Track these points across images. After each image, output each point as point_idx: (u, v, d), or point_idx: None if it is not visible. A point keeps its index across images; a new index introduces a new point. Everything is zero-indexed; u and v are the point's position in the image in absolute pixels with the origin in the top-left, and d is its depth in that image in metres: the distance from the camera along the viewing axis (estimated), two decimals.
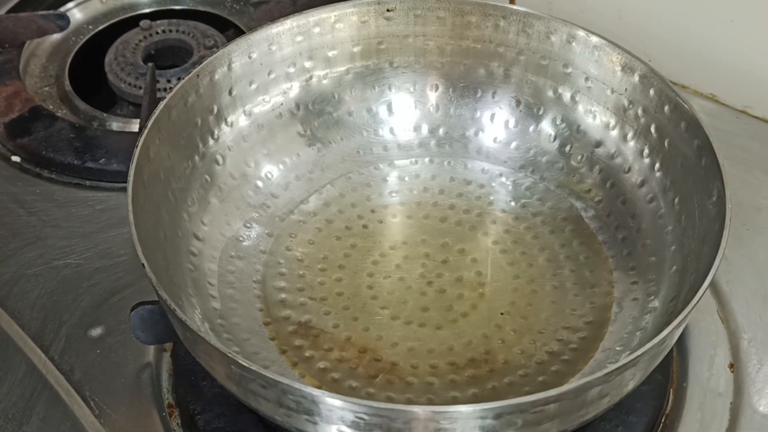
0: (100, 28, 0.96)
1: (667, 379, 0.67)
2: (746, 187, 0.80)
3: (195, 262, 0.68)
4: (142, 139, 0.64)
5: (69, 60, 0.93)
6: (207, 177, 0.71)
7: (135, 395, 0.67)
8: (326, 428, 0.53)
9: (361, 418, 0.51)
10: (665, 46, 0.89)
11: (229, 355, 0.52)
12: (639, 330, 0.64)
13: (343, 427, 0.52)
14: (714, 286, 0.73)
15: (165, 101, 0.67)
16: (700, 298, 0.56)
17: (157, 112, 0.66)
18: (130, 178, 0.61)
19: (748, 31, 0.85)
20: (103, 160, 0.81)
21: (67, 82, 0.91)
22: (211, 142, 0.72)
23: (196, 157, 0.71)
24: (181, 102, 0.69)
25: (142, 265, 0.57)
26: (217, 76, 0.71)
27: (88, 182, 0.81)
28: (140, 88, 0.88)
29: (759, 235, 0.77)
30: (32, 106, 0.86)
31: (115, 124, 0.87)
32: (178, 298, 0.62)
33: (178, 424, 0.66)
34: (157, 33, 0.94)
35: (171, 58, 0.93)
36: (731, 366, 0.69)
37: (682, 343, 0.70)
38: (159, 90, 0.87)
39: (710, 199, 0.63)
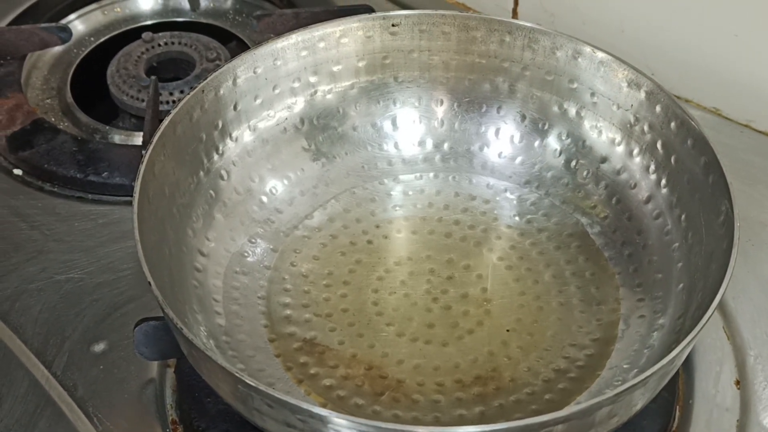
0: (102, 40, 0.96)
1: (674, 396, 0.67)
2: (750, 202, 0.80)
3: (200, 279, 0.67)
4: (147, 155, 0.63)
5: (71, 72, 0.93)
6: (212, 192, 0.71)
7: (138, 411, 0.67)
8: None
9: None
10: (668, 60, 0.89)
11: (236, 374, 0.52)
12: (646, 348, 0.64)
13: None
14: (720, 303, 0.72)
15: (170, 117, 0.66)
16: (710, 317, 0.55)
17: (162, 127, 0.66)
18: (136, 195, 0.61)
19: (752, 45, 0.85)
20: (105, 173, 0.81)
21: (69, 94, 0.90)
22: (215, 157, 0.72)
23: (201, 173, 0.71)
24: (186, 117, 0.68)
25: (149, 283, 0.56)
26: (222, 91, 0.71)
27: (90, 196, 0.81)
28: (142, 100, 0.88)
29: (764, 250, 0.77)
30: (34, 118, 0.85)
31: (118, 137, 0.87)
32: (183, 315, 0.62)
33: None
34: (159, 45, 0.93)
35: (173, 70, 0.93)
36: (737, 383, 0.69)
37: (688, 360, 0.69)
38: (161, 103, 0.87)
39: (718, 217, 0.63)
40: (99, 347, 0.70)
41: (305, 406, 0.51)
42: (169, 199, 0.67)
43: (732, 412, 0.67)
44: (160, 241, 0.64)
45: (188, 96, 0.68)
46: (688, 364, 0.69)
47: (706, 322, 0.56)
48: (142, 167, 0.63)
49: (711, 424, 0.66)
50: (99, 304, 0.73)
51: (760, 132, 0.87)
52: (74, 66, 0.93)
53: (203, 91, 0.70)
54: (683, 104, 0.69)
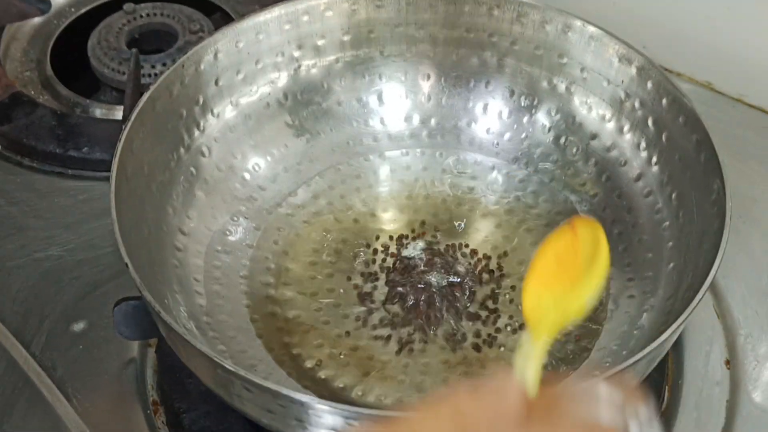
0: (83, 11, 0.94)
1: (663, 376, 0.66)
2: (742, 177, 0.79)
3: (180, 258, 0.66)
4: (125, 132, 0.62)
5: (50, 44, 0.91)
6: (193, 169, 0.70)
7: (119, 392, 0.66)
8: None
9: (351, 424, 0.50)
10: (660, 33, 0.87)
11: (215, 359, 0.51)
12: (636, 328, 0.63)
13: None
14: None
15: (149, 93, 0.65)
16: (700, 299, 0.54)
17: (141, 103, 0.64)
18: (113, 173, 0.60)
19: (744, 18, 0.84)
20: (86, 148, 0.80)
21: (48, 67, 0.89)
22: (196, 133, 0.70)
23: (182, 149, 0.69)
24: (166, 93, 0.67)
25: (126, 265, 0.55)
26: (202, 66, 0.69)
27: (70, 171, 0.80)
28: (124, 73, 0.86)
29: (755, 227, 0.76)
30: (13, 92, 0.84)
31: (99, 111, 0.85)
32: (162, 295, 0.61)
33: (163, 422, 0.64)
34: (141, 17, 0.91)
35: (155, 42, 0.91)
36: (727, 362, 0.68)
37: (677, 339, 0.68)
38: (143, 76, 0.85)
39: (709, 196, 0.61)
40: (78, 326, 0.69)
41: (285, 392, 0.50)
42: (149, 176, 0.65)
43: (722, 391, 0.67)
44: (139, 219, 0.63)
45: (168, 71, 0.67)
46: (677, 344, 0.69)
47: (697, 304, 0.55)
48: (120, 144, 0.61)
49: (701, 404, 0.66)
50: (79, 282, 0.71)
51: (752, 106, 0.86)
52: (54, 38, 0.91)
53: (183, 65, 0.68)
54: (675, 78, 0.68)
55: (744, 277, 0.73)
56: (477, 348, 0.64)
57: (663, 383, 0.66)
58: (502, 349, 0.64)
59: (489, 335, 0.65)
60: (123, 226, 0.58)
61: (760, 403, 0.66)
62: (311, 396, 0.50)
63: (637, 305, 0.65)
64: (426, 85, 0.77)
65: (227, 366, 0.50)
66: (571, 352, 0.64)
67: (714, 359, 0.68)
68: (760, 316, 0.70)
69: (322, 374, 0.63)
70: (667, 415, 0.65)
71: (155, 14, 0.92)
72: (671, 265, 0.64)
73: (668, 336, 0.53)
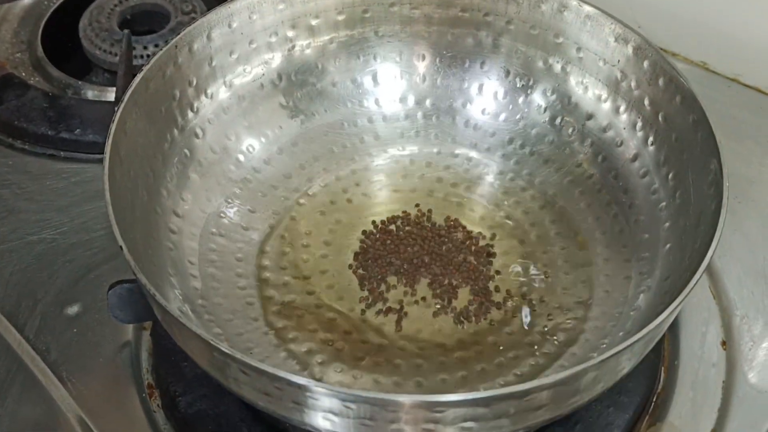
0: None
1: (659, 357, 0.66)
2: (738, 158, 0.78)
3: (175, 240, 0.65)
4: (118, 114, 0.61)
5: (42, 25, 0.90)
6: (186, 151, 0.69)
7: (114, 376, 0.66)
8: (313, 415, 0.52)
9: (348, 407, 0.50)
10: (655, 13, 0.87)
11: (211, 341, 0.50)
12: (633, 310, 0.63)
13: (330, 415, 0.51)
14: None
15: (142, 74, 0.64)
16: (697, 281, 0.54)
17: (133, 85, 0.63)
18: (107, 155, 0.59)
19: None
20: (78, 130, 0.79)
21: (39, 48, 0.88)
22: (190, 115, 0.70)
23: (175, 131, 0.68)
24: (159, 74, 0.66)
25: (120, 247, 0.54)
26: (196, 47, 0.69)
27: (62, 153, 0.79)
28: (116, 54, 0.85)
29: (751, 207, 0.76)
30: (4, 73, 0.83)
31: (90, 93, 0.84)
32: (157, 278, 0.60)
33: (158, 405, 0.64)
34: None
35: (148, 23, 0.90)
36: (724, 343, 0.68)
37: (674, 321, 0.68)
38: (135, 57, 0.84)
39: (706, 176, 0.61)
40: (73, 310, 0.68)
41: (282, 374, 0.49)
42: (142, 158, 0.65)
43: (718, 373, 0.67)
44: (133, 202, 0.62)
45: (161, 52, 0.66)
46: (674, 325, 0.68)
47: (694, 285, 0.54)
48: (113, 126, 0.61)
49: (697, 386, 0.66)
50: (72, 265, 0.71)
51: (747, 86, 0.86)
52: (45, 19, 0.91)
53: (176, 46, 0.67)
54: (670, 58, 0.67)
55: (740, 258, 0.72)
56: (474, 331, 0.64)
57: (659, 364, 0.66)
58: (499, 331, 0.64)
59: (485, 316, 0.65)
60: (117, 208, 0.57)
61: (755, 384, 0.66)
62: (308, 379, 0.49)
63: (634, 286, 0.65)
64: (421, 66, 0.76)
65: (224, 349, 0.50)
66: (566, 334, 0.64)
67: (710, 340, 0.68)
68: (756, 297, 0.70)
69: (318, 358, 0.62)
70: (663, 396, 0.65)
71: None
72: (668, 246, 0.64)
73: (665, 317, 0.53)
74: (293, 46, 0.74)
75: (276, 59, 0.74)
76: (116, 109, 0.62)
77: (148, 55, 0.85)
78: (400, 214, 0.71)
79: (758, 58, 0.85)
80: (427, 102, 0.76)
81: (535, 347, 0.63)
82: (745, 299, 0.70)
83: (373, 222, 0.70)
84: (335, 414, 0.50)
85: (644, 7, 0.87)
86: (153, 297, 0.53)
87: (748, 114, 0.83)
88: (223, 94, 0.72)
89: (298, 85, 0.74)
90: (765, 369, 0.66)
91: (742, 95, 0.85)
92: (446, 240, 0.69)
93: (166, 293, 0.60)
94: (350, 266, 0.67)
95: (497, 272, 0.67)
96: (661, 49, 0.68)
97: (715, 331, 0.69)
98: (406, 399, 0.49)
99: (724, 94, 0.85)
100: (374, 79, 0.76)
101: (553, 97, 0.73)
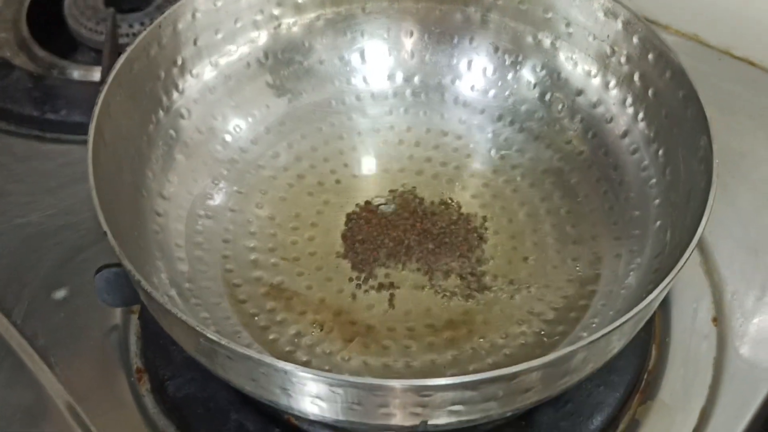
0: None
1: (650, 335, 0.66)
2: (730, 131, 0.78)
3: (161, 223, 0.65)
4: (102, 96, 0.61)
5: (26, 4, 0.89)
6: (172, 132, 0.68)
7: (102, 360, 0.65)
8: (300, 400, 0.51)
9: (335, 392, 0.49)
10: None
11: (196, 327, 0.50)
12: (623, 288, 0.63)
13: (317, 400, 0.51)
14: None
15: (126, 54, 0.63)
16: (688, 257, 0.54)
17: (117, 66, 0.63)
18: (90, 138, 0.58)
19: None
20: (64, 111, 0.78)
21: (24, 27, 0.87)
22: (175, 95, 0.69)
23: (161, 112, 0.68)
24: (143, 54, 0.65)
25: (104, 232, 0.54)
26: (180, 26, 0.68)
27: (48, 135, 0.79)
28: (102, 33, 0.84)
29: (743, 182, 0.75)
30: None
31: (76, 73, 0.84)
32: (143, 262, 0.60)
33: (147, 389, 0.64)
34: None
35: (133, 0, 0.89)
36: (715, 320, 0.68)
37: (664, 298, 0.68)
38: (121, 36, 0.83)
39: (696, 152, 0.61)
40: (60, 294, 0.68)
41: (267, 360, 0.49)
42: (127, 140, 0.64)
43: (709, 349, 0.66)
44: (118, 185, 0.62)
45: (145, 32, 0.65)
46: (665, 302, 0.68)
47: (685, 262, 0.54)
48: (97, 108, 0.60)
49: (688, 362, 0.66)
50: (60, 248, 0.70)
51: (739, 58, 0.85)
52: None
53: (160, 26, 0.66)
54: (661, 31, 0.67)
55: (731, 233, 0.72)
56: (464, 311, 0.64)
57: (650, 342, 0.66)
58: (489, 311, 0.63)
59: (475, 296, 0.64)
60: (101, 192, 0.56)
61: (746, 360, 0.65)
62: (294, 364, 0.49)
63: (625, 264, 0.64)
64: (409, 42, 0.75)
65: (209, 335, 0.50)
66: (557, 313, 0.63)
67: (701, 317, 0.68)
68: (747, 272, 0.70)
69: (307, 340, 0.62)
70: (655, 374, 0.65)
71: None
72: (658, 223, 0.64)
73: (656, 295, 0.53)
74: (279, 24, 0.73)
75: (262, 37, 0.73)
76: (100, 90, 0.61)
77: (134, 34, 0.84)
78: (389, 194, 0.70)
79: (750, 31, 0.84)
80: (416, 79, 0.75)
81: (525, 326, 0.63)
82: (736, 275, 0.70)
83: (361, 203, 0.69)
84: (322, 399, 0.50)
85: None
86: (138, 283, 0.53)
87: (739, 87, 0.83)
88: (208, 73, 0.71)
89: (284, 64, 0.74)
90: (756, 345, 0.66)
91: (733, 67, 0.85)
92: (435, 220, 0.68)
93: (152, 277, 0.60)
94: (339, 248, 0.67)
95: (486, 251, 0.67)
96: (653, 21, 0.67)
97: (706, 308, 0.68)
98: (392, 383, 0.49)
99: (715, 66, 0.85)
100: (362, 56, 0.75)
101: (543, 72, 0.73)
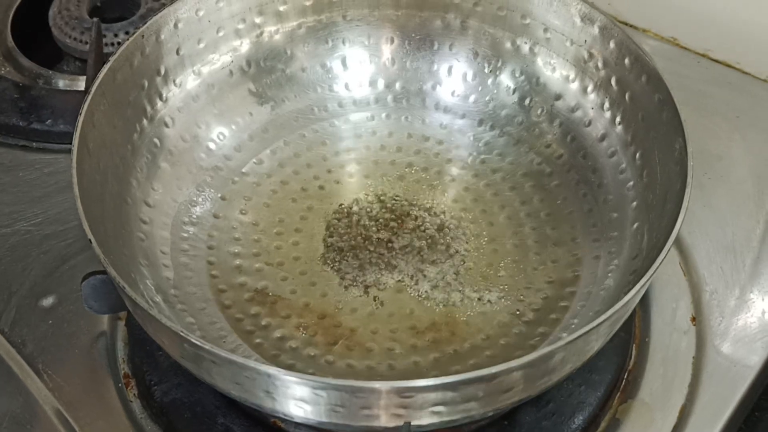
0: None
1: (630, 334, 0.67)
2: (707, 134, 0.79)
3: (146, 230, 0.66)
4: (85, 106, 0.61)
5: (11, 14, 0.90)
6: (156, 140, 0.69)
7: (90, 366, 0.66)
8: (285, 403, 0.52)
9: (318, 395, 0.50)
10: None
11: (181, 333, 0.51)
12: (602, 289, 0.64)
13: (301, 403, 0.51)
14: (676, 238, 0.72)
15: (109, 64, 0.64)
16: (663, 259, 0.55)
17: (100, 76, 0.63)
18: (74, 148, 0.59)
19: None
20: (49, 120, 0.79)
21: (9, 37, 0.88)
22: (159, 104, 0.70)
23: (144, 121, 0.68)
24: (126, 64, 0.66)
25: (89, 241, 0.55)
26: (163, 36, 0.69)
27: (34, 144, 0.79)
28: (86, 42, 0.85)
29: (720, 183, 0.76)
30: None
31: (62, 82, 0.84)
32: (129, 270, 0.61)
33: (134, 394, 0.65)
34: None
35: (118, 9, 0.90)
36: (693, 319, 0.69)
37: (644, 297, 0.69)
38: (106, 45, 0.84)
39: (672, 155, 0.62)
40: (47, 301, 0.69)
41: (251, 364, 0.50)
42: (111, 149, 0.65)
43: (688, 348, 0.67)
44: (103, 194, 0.62)
45: (127, 42, 0.66)
46: (644, 302, 0.69)
47: (660, 263, 0.55)
48: (81, 118, 0.61)
49: (667, 362, 0.67)
50: (47, 256, 0.71)
51: (717, 61, 0.86)
52: (14, 7, 0.90)
53: (143, 36, 0.67)
54: (640, 35, 0.68)
55: (709, 234, 0.73)
56: (445, 313, 0.64)
57: (630, 341, 0.66)
58: (470, 313, 0.64)
59: (459, 299, 0.65)
60: (86, 201, 0.57)
61: (725, 358, 0.66)
62: (277, 368, 0.50)
63: (603, 266, 0.65)
64: (390, 49, 0.76)
65: (193, 340, 0.50)
66: (537, 314, 0.64)
67: (680, 316, 0.69)
68: (725, 272, 0.71)
69: (291, 343, 0.63)
70: (635, 373, 0.66)
71: None
72: (636, 224, 0.65)
73: (632, 296, 0.54)
74: (261, 33, 0.74)
75: (244, 46, 0.74)
76: (84, 100, 0.62)
77: (119, 43, 0.85)
78: (371, 199, 0.71)
79: (728, 34, 0.85)
80: (397, 85, 0.76)
81: (506, 328, 0.63)
82: (714, 274, 0.71)
83: (343, 208, 0.70)
84: (306, 402, 0.51)
85: None
86: (123, 290, 0.53)
87: (717, 89, 0.84)
88: (192, 82, 0.72)
89: (267, 72, 0.75)
90: (734, 343, 0.67)
91: (711, 70, 0.86)
92: (417, 224, 0.69)
93: (137, 284, 0.60)
94: (322, 253, 0.68)
95: (468, 254, 0.67)
96: (631, 25, 0.68)
97: (685, 307, 0.69)
98: (373, 385, 0.49)
99: (693, 69, 0.86)
100: (343, 63, 0.76)
101: (522, 77, 0.74)
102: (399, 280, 0.66)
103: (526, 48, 0.73)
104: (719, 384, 0.65)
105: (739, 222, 0.74)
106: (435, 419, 0.52)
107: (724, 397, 0.65)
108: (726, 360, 0.66)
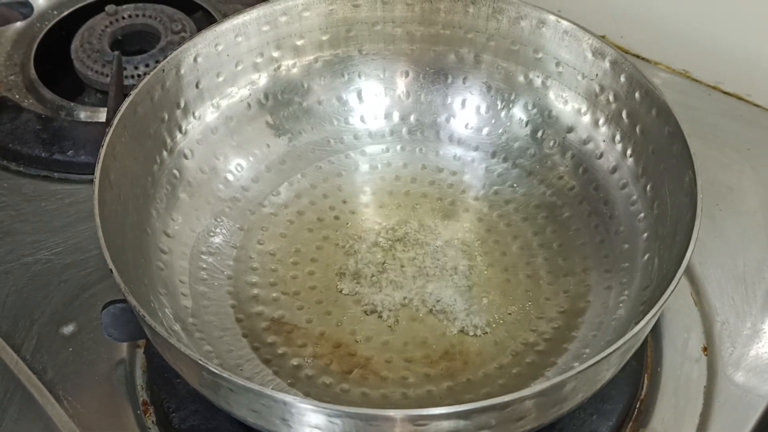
0: (65, 13, 0.95)
1: (642, 364, 0.67)
2: (718, 165, 0.80)
3: (165, 260, 0.67)
4: (107, 139, 0.63)
5: (34, 47, 0.91)
6: (176, 172, 0.71)
7: (109, 393, 0.67)
8: (300, 430, 0.53)
9: (333, 422, 0.51)
10: (637, 23, 0.88)
11: (199, 361, 0.52)
12: (613, 319, 0.64)
13: (317, 430, 0.52)
14: (687, 268, 0.72)
15: (130, 98, 0.66)
16: (674, 289, 0.56)
17: (122, 109, 0.65)
18: (96, 180, 0.60)
19: (721, 6, 0.85)
20: (71, 151, 0.80)
21: (32, 70, 0.89)
22: (179, 136, 0.71)
23: (164, 153, 0.70)
24: (147, 98, 0.68)
25: (110, 270, 0.56)
26: (183, 70, 0.70)
27: (56, 175, 0.81)
28: (107, 75, 0.87)
29: (731, 214, 0.77)
30: None
31: (83, 114, 0.86)
32: (148, 298, 0.62)
33: (153, 422, 0.65)
34: (123, 18, 0.92)
35: (138, 43, 0.92)
36: (705, 349, 0.69)
37: (656, 327, 0.70)
38: (127, 77, 0.86)
39: (682, 187, 0.63)
40: (68, 329, 0.70)
41: (268, 392, 0.51)
42: (132, 181, 0.66)
43: (700, 378, 0.68)
44: (123, 224, 0.64)
45: (148, 76, 0.68)
46: (656, 332, 0.70)
47: (671, 294, 0.56)
48: (103, 150, 0.62)
49: (679, 392, 0.67)
50: (67, 285, 0.72)
51: (728, 94, 0.87)
52: (37, 41, 0.92)
53: (164, 70, 0.69)
54: (652, 67, 0.68)
55: (720, 264, 0.74)
56: (459, 342, 0.65)
57: (642, 371, 0.67)
58: (484, 342, 0.65)
59: (473, 328, 0.66)
60: (107, 231, 0.59)
61: (736, 388, 0.67)
62: (294, 396, 0.51)
63: (615, 296, 0.66)
64: (404, 82, 0.78)
65: (211, 368, 0.51)
66: (549, 344, 0.65)
67: (692, 346, 0.69)
68: (736, 303, 0.71)
69: (307, 372, 0.64)
70: (647, 403, 0.66)
71: (137, 15, 0.92)
72: (647, 255, 0.66)
73: (643, 326, 0.54)
74: (279, 66, 0.75)
75: (262, 79, 0.75)
76: (106, 132, 0.63)
77: (139, 75, 0.86)
78: (386, 229, 0.72)
79: (739, 66, 0.86)
80: (412, 117, 0.78)
81: (519, 357, 0.64)
82: (726, 305, 0.71)
83: (358, 238, 0.71)
84: (321, 429, 0.52)
85: (626, 18, 0.88)
86: (143, 318, 0.54)
87: (728, 121, 0.84)
88: (210, 115, 0.73)
89: (284, 104, 0.76)
90: (745, 373, 0.68)
91: (722, 103, 0.87)
92: (431, 254, 0.70)
93: (156, 313, 0.62)
94: (338, 282, 0.69)
95: (481, 283, 0.68)
96: (643, 58, 0.69)
97: (696, 337, 0.70)
98: (387, 413, 0.50)
99: (705, 102, 0.87)
100: (359, 96, 0.77)
101: (534, 110, 0.75)
102: (413, 310, 0.67)
103: (538, 81, 0.74)
104: (731, 413, 0.66)
105: (750, 253, 0.74)
106: None
107: (735, 427, 0.65)
108: (737, 389, 0.67)
